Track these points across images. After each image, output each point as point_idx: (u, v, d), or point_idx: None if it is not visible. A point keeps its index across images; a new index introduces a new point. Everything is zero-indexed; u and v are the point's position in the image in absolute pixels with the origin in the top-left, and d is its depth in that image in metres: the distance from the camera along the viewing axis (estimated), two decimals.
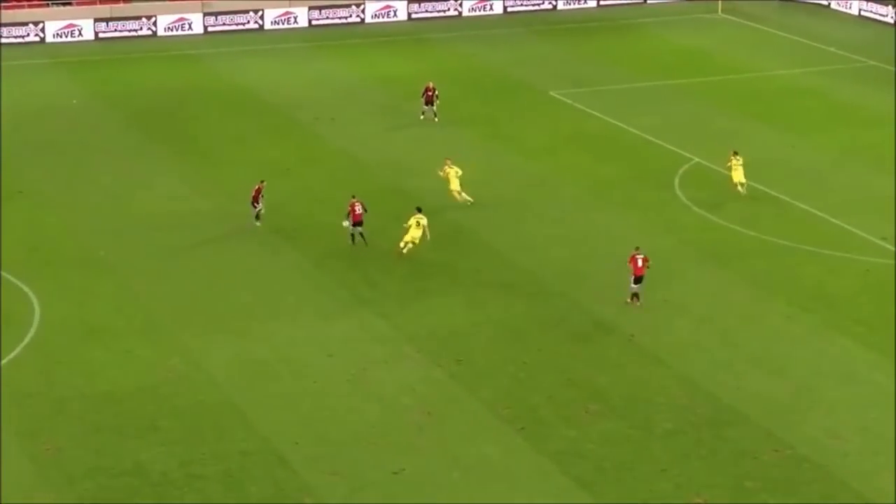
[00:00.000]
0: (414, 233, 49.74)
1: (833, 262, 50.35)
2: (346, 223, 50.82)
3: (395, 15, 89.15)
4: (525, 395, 40.63)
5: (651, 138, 64.68)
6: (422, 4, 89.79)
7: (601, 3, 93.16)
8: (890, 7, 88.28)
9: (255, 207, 52.21)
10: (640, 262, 45.78)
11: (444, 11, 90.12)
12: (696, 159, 61.53)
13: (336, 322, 45.28)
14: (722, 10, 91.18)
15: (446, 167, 54.92)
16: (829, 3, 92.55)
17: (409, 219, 49.91)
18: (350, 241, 50.95)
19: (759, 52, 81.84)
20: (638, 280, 45.95)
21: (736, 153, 56.80)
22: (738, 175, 56.05)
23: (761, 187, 57.84)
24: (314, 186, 57.29)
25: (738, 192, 56.10)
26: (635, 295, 46.19)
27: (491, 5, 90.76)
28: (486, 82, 74.99)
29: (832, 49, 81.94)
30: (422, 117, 67.01)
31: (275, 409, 39.56)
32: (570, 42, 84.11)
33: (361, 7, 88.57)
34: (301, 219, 54.07)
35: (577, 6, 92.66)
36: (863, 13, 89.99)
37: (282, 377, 41.56)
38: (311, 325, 45.05)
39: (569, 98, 71.25)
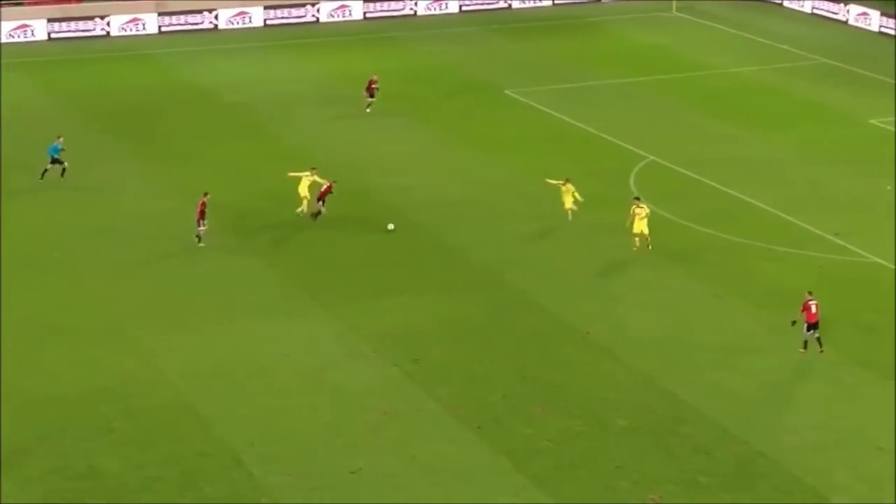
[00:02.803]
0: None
1: (787, 259, 50.65)
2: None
3: (350, 14, 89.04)
4: (482, 393, 40.67)
5: (606, 136, 64.88)
6: (377, 4, 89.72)
7: (556, 1, 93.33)
8: (842, 5, 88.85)
9: (200, 226, 50.62)
10: (813, 309, 42.25)
11: (400, 11, 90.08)
12: (652, 157, 61.77)
13: (293, 322, 45.20)
14: (676, 9, 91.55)
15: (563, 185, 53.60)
16: (782, 2, 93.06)
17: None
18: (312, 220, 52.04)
19: (714, 50, 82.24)
20: (812, 327, 42.44)
21: (638, 199, 51.69)
22: (640, 226, 50.11)
23: (716, 184, 58.12)
24: (272, 186, 57.15)
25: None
26: (812, 342, 42.66)
27: (446, 4, 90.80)
28: (443, 81, 75.03)
29: (785, 47, 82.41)
30: (368, 110, 67.06)
31: (231, 410, 39.44)
32: (526, 41, 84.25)
33: (317, 7, 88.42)
34: (259, 219, 53.92)
35: (532, 5, 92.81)
36: (815, 11, 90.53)
37: (238, 378, 41.43)
38: (268, 325, 44.93)
39: (524, 97, 71.37)
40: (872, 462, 37.14)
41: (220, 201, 52.71)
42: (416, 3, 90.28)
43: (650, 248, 50.35)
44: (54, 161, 57.27)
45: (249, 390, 40.66)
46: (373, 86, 67.44)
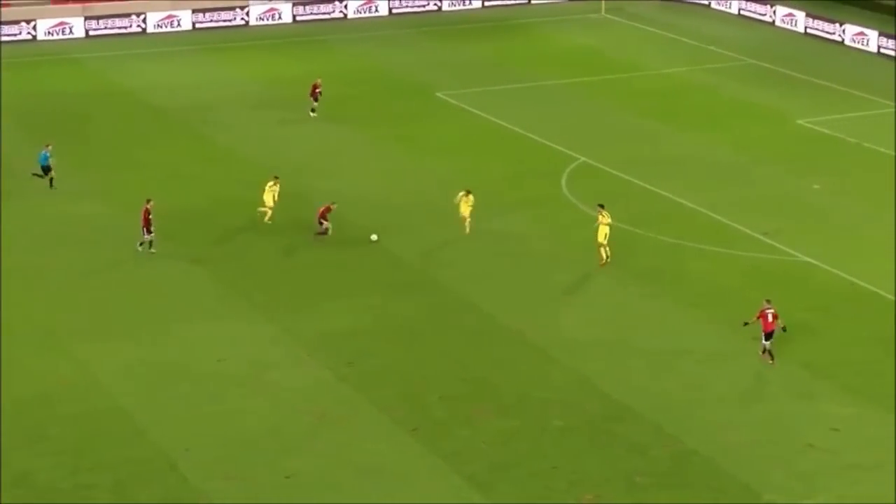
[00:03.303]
0: None
1: (719, 259, 51.07)
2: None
3: (279, 17, 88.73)
4: (418, 395, 40.70)
5: (538, 138, 65.11)
6: (307, 7, 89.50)
7: (486, 3, 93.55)
8: (768, 6, 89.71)
9: (147, 234, 50.04)
10: (770, 318, 42.31)
11: (330, 13, 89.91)
12: (583, 158, 62.06)
13: (229, 326, 45.01)
14: (605, 10, 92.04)
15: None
16: (710, 3, 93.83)
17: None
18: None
19: (644, 51, 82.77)
20: (768, 336, 42.51)
21: (602, 206, 50.20)
22: (601, 234, 49.53)
23: (648, 185, 58.51)
24: (206, 189, 56.87)
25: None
26: (768, 352, 42.69)
27: (376, 7, 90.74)
28: (374, 84, 74.98)
29: (713, 48, 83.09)
30: (313, 114, 66.94)
31: (166, 415, 39.22)
32: (457, 43, 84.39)
33: (246, 10, 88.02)
34: (194, 223, 53.63)
35: (462, 7, 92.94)
36: (742, 12, 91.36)
37: (174, 382, 41.19)
38: (203, 330, 44.72)
39: (456, 99, 71.49)
40: (804, 459, 37.54)
41: (156, 205, 52.22)
42: (346, 6, 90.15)
43: (607, 260, 49.53)
44: (44, 170, 56.38)
45: (184, 395, 40.44)
46: (317, 90, 67.29)
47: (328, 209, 51.87)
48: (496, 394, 40.89)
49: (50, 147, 57.15)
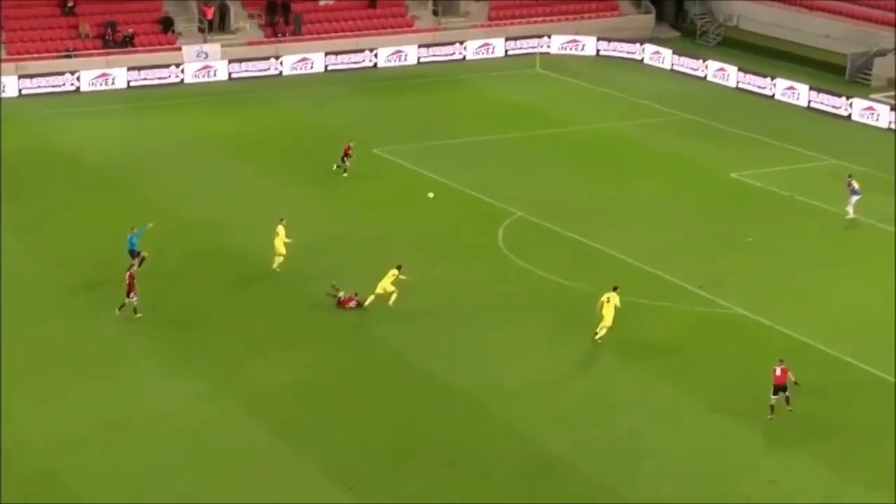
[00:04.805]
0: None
1: (655, 312, 51.26)
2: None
3: (215, 75, 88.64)
4: (355, 451, 40.51)
5: (474, 192, 65.24)
6: (242, 64, 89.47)
7: (422, 59, 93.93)
8: (700, 61, 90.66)
9: (130, 298, 49.26)
10: (778, 372, 42.68)
11: (265, 71, 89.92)
12: (519, 213, 62.25)
13: (164, 384, 44.61)
14: (540, 66, 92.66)
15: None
16: (643, 59, 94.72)
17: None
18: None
19: (578, 106, 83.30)
20: (777, 390, 42.82)
21: (616, 288, 48.87)
22: (607, 312, 47.86)
23: (583, 238, 58.75)
24: (141, 244, 56.43)
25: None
26: (774, 405, 42.94)
27: (312, 64, 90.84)
28: (310, 140, 74.92)
29: (647, 102, 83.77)
30: (345, 174, 67.35)
31: (99, 476, 38.76)
32: (393, 99, 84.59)
33: (181, 67, 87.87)
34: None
35: (397, 63, 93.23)
36: (675, 67, 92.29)
37: (106, 442, 40.73)
38: (137, 388, 44.30)
39: (392, 154, 71.57)
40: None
41: (90, 259, 51.98)
42: (281, 63, 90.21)
43: (600, 338, 48.25)
44: None
45: (117, 454, 40.01)
46: (348, 151, 67.84)
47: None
48: (434, 448, 40.75)
49: None
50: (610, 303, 48.02)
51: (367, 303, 50.89)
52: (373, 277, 53.36)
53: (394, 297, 50.83)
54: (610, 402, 44.06)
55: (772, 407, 42.84)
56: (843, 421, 43.08)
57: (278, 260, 54.17)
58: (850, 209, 62.16)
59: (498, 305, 51.51)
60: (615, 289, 48.47)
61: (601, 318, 47.96)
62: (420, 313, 50.90)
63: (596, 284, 53.04)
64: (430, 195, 59.56)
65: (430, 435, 41.57)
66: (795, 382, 43.04)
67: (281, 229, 54.33)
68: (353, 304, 51.02)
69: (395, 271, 50.98)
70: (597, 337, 48.08)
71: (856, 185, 62.36)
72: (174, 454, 40.17)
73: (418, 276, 52.73)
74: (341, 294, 51.17)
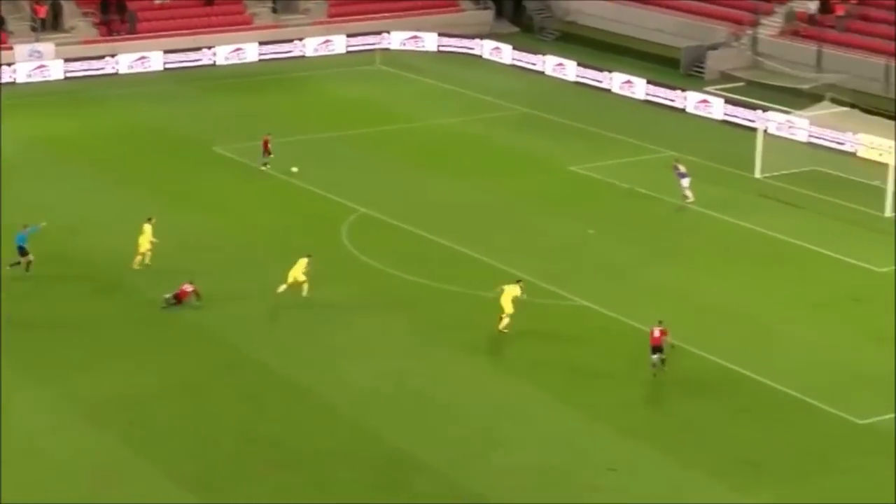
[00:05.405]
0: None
1: (496, 304, 51.54)
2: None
3: (49, 74, 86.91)
4: (200, 454, 40.14)
5: (317, 190, 65.01)
6: (77, 63, 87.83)
7: (262, 57, 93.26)
8: (539, 56, 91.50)
9: None
10: (656, 333, 44.83)
11: (101, 70, 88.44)
12: (363, 209, 62.21)
13: (4, 393, 43.67)
14: (380, 62, 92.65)
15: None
16: (482, 54, 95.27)
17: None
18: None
19: (419, 103, 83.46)
20: (654, 350, 44.86)
21: (520, 281, 49.75)
22: (506, 299, 48.63)
23: (427, 234, 58.95)
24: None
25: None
26: (655, 365, 45.01)
27: (149, 62, 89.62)
28: (149, 139, 73.91)
29: (488, 97, 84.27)
30: (263, 167, 67.09)
31: None
32: (233, 97, 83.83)
33: (13, 67, 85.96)
34: None
35: (237, 61, 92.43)
36: (515, 62, 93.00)
37: None
38: None
39: (233, 153, 70.94)
40: (588, 498, 38.14)
41: None
42: (117, 62, 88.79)
43: (504, 327, 48.71)
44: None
45: None
46: (267, 144, 67.45)
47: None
48: (281, 449, 40.56)
49: None
50: (506, 293, 48.55)
51: (279, 290, 50.69)
52: (217, 276, 53.01)
53: (305, 287, 50.78)
54: (454, 397, 44.25)
55: (654, 364, 44.64)
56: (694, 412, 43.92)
57: (139, 259, 53.53)
58: (687, 193, 63.60)
59: (343, 302, 51.42)
60: (518, 282, 49.26)
61: (501, 308, 48.49)
62: (265, 312, 50.61)
63: (442, 280, 53.38)
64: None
65: (276, 436, 41.34)
66: (672, 345, 44.60)
67: (148, 228, 53.79)
68: (191, 294, 50.44)
69: (304, 260, 51.11)
70: (501, 326, 48.54)
71: (682, 168, 64.35)
72: (13, 463, 39.27)
73: (263, 276, 52.46)
74: (174, 293, 50.52)
